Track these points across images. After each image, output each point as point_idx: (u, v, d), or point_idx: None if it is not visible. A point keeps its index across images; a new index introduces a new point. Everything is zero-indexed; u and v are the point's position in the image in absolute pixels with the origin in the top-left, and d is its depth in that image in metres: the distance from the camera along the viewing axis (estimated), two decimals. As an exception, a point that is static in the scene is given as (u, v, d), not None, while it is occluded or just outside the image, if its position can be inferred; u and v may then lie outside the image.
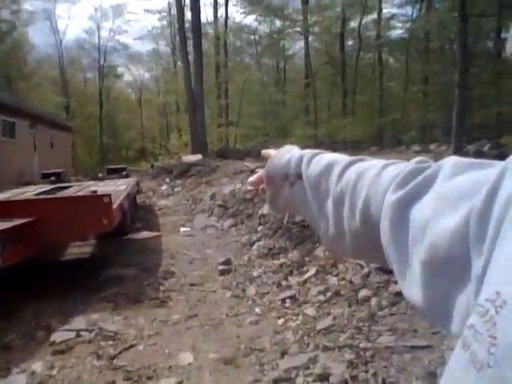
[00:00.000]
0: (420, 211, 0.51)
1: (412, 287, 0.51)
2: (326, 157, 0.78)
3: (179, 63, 33.29)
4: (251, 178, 0.95)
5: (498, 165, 0.45)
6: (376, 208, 0.60)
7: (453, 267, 0.44)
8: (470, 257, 0.42)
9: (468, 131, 15.05)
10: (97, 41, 41.28)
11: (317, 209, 0.76)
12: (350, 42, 30.55)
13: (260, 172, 0.92)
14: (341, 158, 0.75)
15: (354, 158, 0.74)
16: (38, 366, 3.61)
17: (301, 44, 32.18)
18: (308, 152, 0.82)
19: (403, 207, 0.54)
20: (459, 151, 12.67)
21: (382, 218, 0.57)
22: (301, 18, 27.14)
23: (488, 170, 0.47)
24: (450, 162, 0.54)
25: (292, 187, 0.81)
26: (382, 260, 0.60)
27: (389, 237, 0.55)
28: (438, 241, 0.46)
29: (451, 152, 13.03)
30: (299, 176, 0.79)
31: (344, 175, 0.70)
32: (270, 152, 0.91)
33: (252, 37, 33.39)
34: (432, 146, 16.72)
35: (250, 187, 0.98)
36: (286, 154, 0.85)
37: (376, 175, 0.63)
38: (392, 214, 0.55)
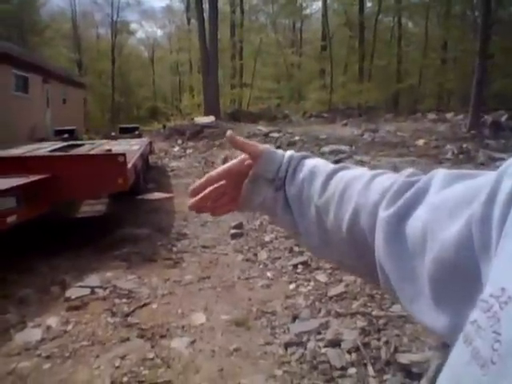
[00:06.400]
0: (415, 224, 0.51)
1: (419, 305, 0.50)
2: (309, 163, 0.76)
3: (193, 21, 32.66)
4: (194, 185, 0.83)
5: (489, 174, 0.45)
6: (365, 220, 0.60)
7: (461, 280, 0.43)
8: (478, 266, 0.41)
9: (485, 101, 14.74)
10: (110, -5, 40.43)
11: (299, 217, 0.73)
12: (369, 4, 29.74)
13: (207, 176, 0.82)
14: (323, 166, 0.74)
15: (337, 166, 0.73)
16: (53, 320, 3.68)
17: (318, 4, 31.47)
18: (295, 155, 0.79)
19: (397, 222, 0.54)
20: (476, 121, 12.45)
21: (377, 235, 0.56)
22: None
23: (482, 177, 0.47)
24: (440, 173, 0.54)
25: (276, 192, 0.77)
26: (363, 272, 0.61)
27: (385, 252, 0.54)
28: (442, 254, 0.45)
29: (468, 122, 12.82)
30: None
31: (328, 186, 0.69)
32: (243, 142, 0.82)
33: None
34: (448, 115, 16.45)
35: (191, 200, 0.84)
36: (276, 153, 0.80)
37: (364, 187, 0.63)
38: (386, 229, 0.54)
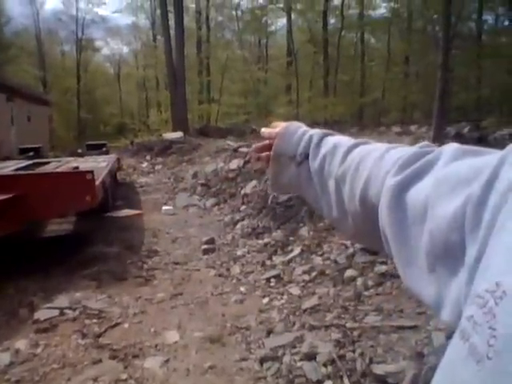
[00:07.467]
0: (418, 194, 0.52)
1: (411, 271, 0.52)
2: (333, 139, 0.80)
3: (159, 37, 32.63)
4: (257, 144, 0.95)
5: (496, 153, 0.46)
6: (376, 190, 0.61)
7: (449, 254, 0.45)
8: (465, 244, 0.43)
9: (447, 113, 15.17)
10: (74, 13, 40.00)
11: (320, 190, 0.77)
12: (332, 21, 30.33)
13: (267, 141, 0.92)
14: (346, 140, 0.77)
15: (358, 140, 0.76)
16: (21, 344, 3.57)
17: (283, 21, 31.89)
18: (318, 132, 0.83)
19: (401, 190, 0.55)
20: (440, 133, 12.77)
21: (381, 201, 0.58)
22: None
23: (487, 157, 0.47)
24: (451, 147, 0.55)
25: (298, 167, 0.82)
26: (379, 244, 0.61)
27: (387, 219, 0.56)
28: (436, 228, 0.47)
29: (432, 134, 13.14)
30: (307, 156, 0.81)
31: (347, 157, 0.72)
32: (275, 128, 0.91)
33: (234, 12, 32.91)
34: (413, 128, 16.83)
35: (254, 155, 0.98)
36: (296, 132, 0.86)
37: (379, 158, 0.64)
38: (390, 196, 0.56)
